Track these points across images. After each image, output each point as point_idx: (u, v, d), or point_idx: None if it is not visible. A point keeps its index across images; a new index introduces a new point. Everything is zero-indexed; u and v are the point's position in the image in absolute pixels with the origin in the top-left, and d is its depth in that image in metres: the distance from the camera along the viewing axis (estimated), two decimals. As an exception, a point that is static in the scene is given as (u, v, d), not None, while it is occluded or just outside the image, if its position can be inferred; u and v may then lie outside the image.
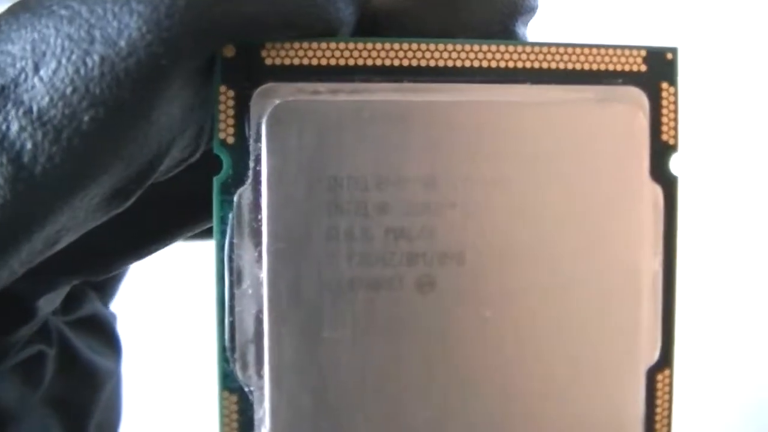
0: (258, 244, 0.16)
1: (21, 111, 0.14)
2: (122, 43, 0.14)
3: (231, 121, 0.16)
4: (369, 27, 0.16)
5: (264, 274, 0.16)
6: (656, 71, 0.17)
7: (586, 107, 0.16)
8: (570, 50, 0.16)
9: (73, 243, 0.16)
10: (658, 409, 0.17)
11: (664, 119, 0.17)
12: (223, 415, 0.16)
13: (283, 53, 0.16)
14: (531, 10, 0.17)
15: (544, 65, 0.16)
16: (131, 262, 0.20)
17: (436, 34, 0.16)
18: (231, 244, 0.16)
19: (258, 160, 0.16)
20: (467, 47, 0.16)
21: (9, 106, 0.14)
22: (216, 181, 0.16)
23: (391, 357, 0.16)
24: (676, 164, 0.17)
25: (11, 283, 0.15)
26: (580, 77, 0.16)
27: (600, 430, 0.17)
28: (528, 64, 0.16)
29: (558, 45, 0.16)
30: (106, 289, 0.26)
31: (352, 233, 0.16)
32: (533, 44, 0.16)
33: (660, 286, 0.17)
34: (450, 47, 0.16)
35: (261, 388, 0.16)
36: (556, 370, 0.16)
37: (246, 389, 0.16)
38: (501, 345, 0.16)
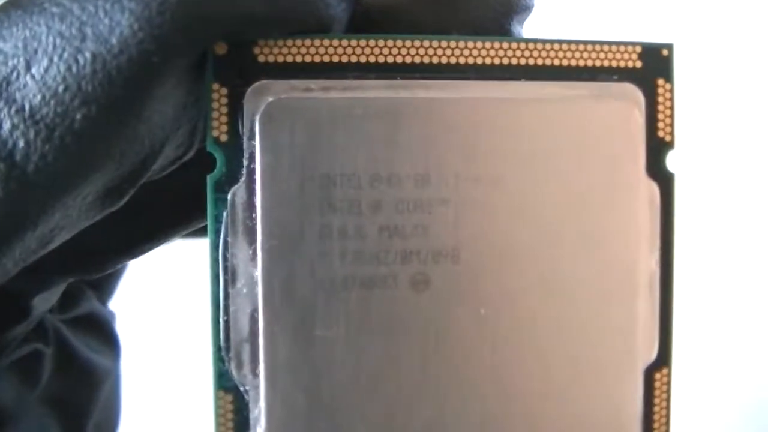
0: (252, 242, 0.16)
1: (13, 109, 0.14)
2: (114, 41, 0.14)
3: (224, 119, 0.16)
4: (362, 24, 0.16)
5: (258, 273, 0.15)
6: (652, 67, 0.17)
7: (581, 104, 0.16)
8: (565, 46, 0.16)
9: (68, 242, 0.16)
10: (656, 408, 0.17)
11: (660, 116, 0.17)
12: (219, 415, 0.16)
13: (275, 50, 0.16)
14: (527, 8, 0.17)
15: (539, 62, 0.16)
16: (126, 261, 0.20)
17: (431, 32, 0.16)
18: (225, 242, 0.16)
19: (252, 158, 0.15)
20: (461, 44, 0.16)
21: (1, 104, 0.14)
22: (210, 180, 0.16)
23: (385, 356, 0.16)
24: (672, 161, 0.17)
25: (5, 281, 0.15)
26: (575, 73, 0.16)
27: (598, 428, 0.16)
28: (523, 61, 0.16)
29: (553, 41, 0.16)
30: (104, 287, 0.26)
31: (346, 231, 0.16)
32: (528, 41, 0.16)
33: (657, 283, 0.17)
34: (444, 44, 0.16)
35: (256, 387, 0.16)
36: (553, 369, 0.16)
37: (241, 388, 0.16)
38: (497, 343, 0.16)
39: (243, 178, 0.16)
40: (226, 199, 0.16)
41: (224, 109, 0.16)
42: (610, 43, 0.16)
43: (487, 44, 0.16)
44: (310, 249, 0.15)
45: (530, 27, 0.18)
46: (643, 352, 0.17)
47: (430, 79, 0.16)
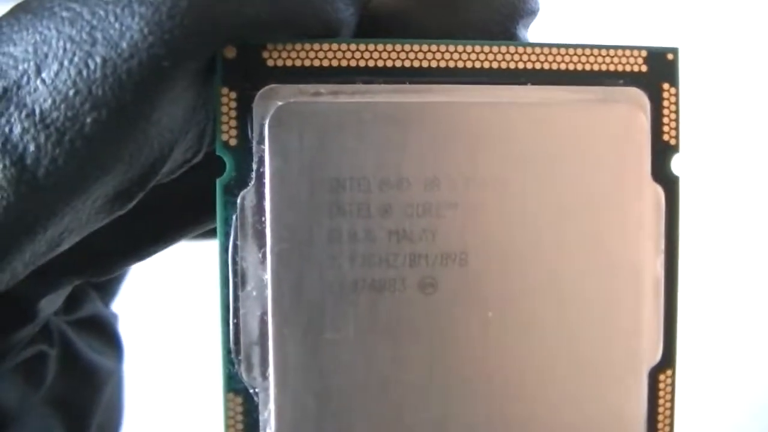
0: (262, 245, 0.16)
1: (24, 113, 0.14)
2: (124, 45, 0.14)
3: (233, 123, 0.16)
4: (370, 28, 0.16)
5: (268, 276, 0.16)
6: (657, 72, 0.17)
7: (587, 108, 0.16)
8: (571, 51, 0.16)
9: (76, 244, 0.16)
10: (660, 410, 0.17)
11: (665, 120, 0.17)
12: (228, 417, 0.16)
13: (284, 54, 0.16)
14: (532, 12, 0.17)
15: (545, 66, 0.16)
16: (133, 263, 0.20)
17: (437, 36, 0.16)
18: (235, 245, 0.16)
19: (261, 162, 0.16)
20: (468, 48, 0.16)
21: (12, 108, 0.14)
22: (219, 183, 0.16)
23: (394, 358, 0.16)
24: (677, 164, 0.17)
25: (14, 284, 0.15)
26: (581, 78, 0.16)
27: (602, 430, 0.17)
28: (529, 65, 0.16)
29: (559, 46, 0.16)
30: (108, 289, 0.26)
31: (355, 235, 0.16)
32: (534, 45, 0.16)
33: (662, 286, 0.17)
34: (451, 48, 0.16)
35: (266, 390, 0.16)
36: (558, 371, 0.16)
37: (251, 390, 0.16)
38: (503, 346, 0.16)
39: (252, 182, 0.16)
40: (236, 203, 0.16)
41: (233, 113, 0.16)
42: (615, 48, 0.17)
43: (494, 48, 0.16)
44: (319, 252, 0.16)
45: (535, 31, 0.18)
46: (647, 353, 0.17)
47: (438, 84, 0.16)
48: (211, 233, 0.17)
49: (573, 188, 0.16)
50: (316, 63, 0.16)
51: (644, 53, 0.17)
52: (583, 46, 0.16)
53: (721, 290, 0.46)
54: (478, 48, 0.16)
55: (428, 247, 0.16)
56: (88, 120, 0.14)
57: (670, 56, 0.17)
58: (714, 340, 0.46)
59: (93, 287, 0.25)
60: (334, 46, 0.16)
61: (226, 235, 0.16)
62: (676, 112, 0.17)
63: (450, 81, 0.16)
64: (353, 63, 0.16)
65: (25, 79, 0.14)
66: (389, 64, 0.16)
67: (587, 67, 0.16)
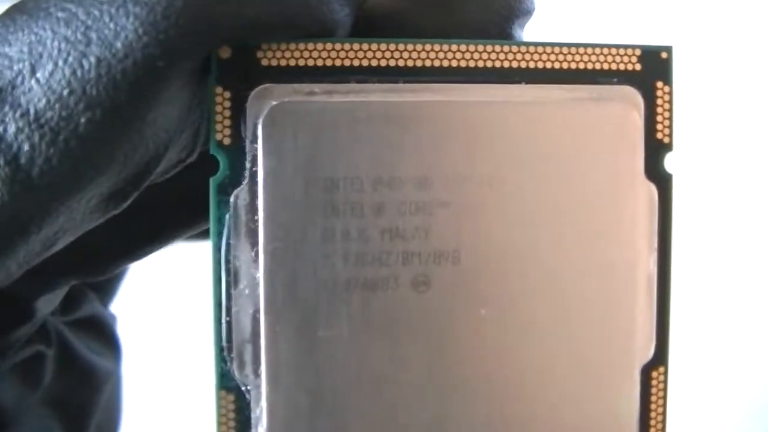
0: (255, 244, 0.16)
1: (18, 113, 0.14)
2: (118, 45, 0.14)
3: (227, 123, 0.16)
4: (365, 28, 0.16)
5: (261, 274, 0.16)
6: (651, 70, 0.17)
7: (580, 106, 0.16)
8: (565, 50, 0.16)
9: (71, 244, 0.16)
10: (653, 406, 0.17)
11: (659, 118, 0.17)
12: (220, 414, 0.16)
13: (278, 54, 0.16)
14: (528, 12, 0.17)
15: (539, 65, 0.16)
16: (129, 263, 0.20)
17: (432, 36, 0.16)
18: (228, 244, 0.16)
19: (254, 161, 0.16)
20: (462, 47, 0.16)
21: (6, 108, 0.14)
22: (213, 182, 0.16)
23: (387, 356, 0.16)
24: (670, 163, 0.17)
25: (9, 283, 0.15)
26: (574, 76, 0.16)
27: (595, 427, 0.17)
28: (523, 64, 0.16)
29: (553, 44, 0.16)
30: (106, 289, 0.26)
31: (348, 233, 0.16)
32: (528, 44, 0.16)
33: (655, 284, 0.17)
34: (445, 47, 0.16)
35: (258, 387, 0.16)
36: (551, 369, 0.16)
37: (243, 388, 0.16)
38: (497, 344, 0.16)
39: (246, 181, 0.16)
40: (229, 202, 0.16)
41: (227, 113, 0.16)
42: (609, 46, 0.17)
43: (488, 47, 0.16)
44: (312, 251, 0.16)
45: (530, 30, 0.18)
46: (640, 350, 0.17)
47: (431, 83, 0.16)
48: (206, 234, 0.17)
49: (567, 186, 0.16)
50: (311, 63, 0.16)
51: (638, 52, 0.17)
52: (577, 45, 0.17)
53: (715, 288, 0.46)
54: (472, 47, 0.16)
55: (421, 245, 0.16)
56: (83, 120, 0.14)
57: (664, 55, 0.17)
58: (707, 338, 0.46)
59: (91, 288, 0.25)
60: (329, 46, 0.16)
61: (219, 234, 0.16)
62: (670, 110, 0.17)
63: (444, 80, 0.16)
64: (347, 62, 0.16)
65: (20, 78, 0.14)
66: (383, 63, 0.16)
67: (581, 65, 0.16)
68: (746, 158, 0.46)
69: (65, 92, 0.14)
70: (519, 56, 0.16)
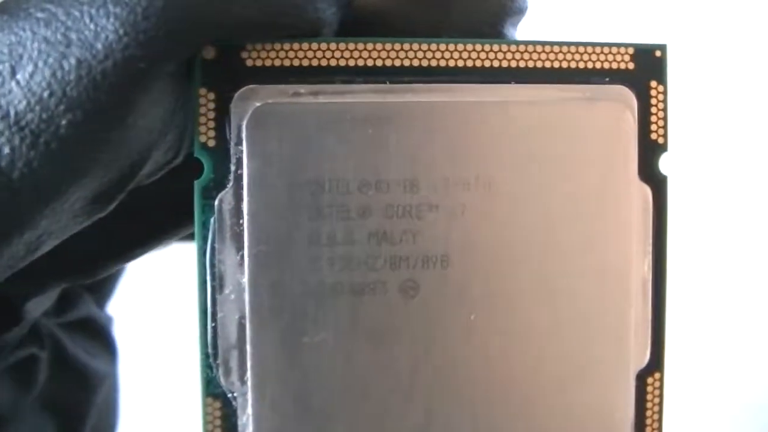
0: (240, 248, 0.15)
1: None
2: (99, 46, 0.14)
3: (212, 124, 0.15)
4: (354, 27, 0.16)
5: (246, 279, 0.15)
6: (645, 69, 0.16)
7: (573, 107, 0.16)
8: (556, 48, 0.16)
9: (58, 246, 0.16)
10: (649, 413, 0.17)
11: (653, 118, 0.16)
12: (207, 422, 0.16)
13: (263, 54, 0.15)
14: (520, 11, 0.17)
15: (530, 64, 0.16)
16: (117, 266, 0.20)
17: (423, 35, 0.16)
18: (213, 248, 0.16)
19: (239, 164, 0.15)
20: (451, 46, 0.16)
21: None
22: (197, 185, 0.16)
23: (375, 362, 0.16)
24: (665, 164, 0.16)
25: None
26: (566, 76, 0.16)
27: (590, 433, 0.16)
28: (513, 63, 0.16)
29: (544, 43, 0.16)
30: (102, 291, 0.26)
31: (334, 237, 0.15)
32: (518, 43, 0.16)
33: (650, 287, 0.16)
34: (434, 47, 0.16)
35: (244, 394, 0.16)
36: (543, 374, 0.16)
37: (229, 395, 0.16)
38: (487, 350, 0.16)
39: (230, 184, 0.15)
40: (214, 205, 0.15)
41: (212, 114, 0.15)
42: (602, 45, 0.16)
43: (477, 47, 0.16)
44: (298, 255, 0.15)
45: (523, 29, 0.18)
46: (635, 356, 0.16)
47: (419, 83, 0.16)
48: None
49: (559, 189, 0.16)
50: (296, 63, 0.16)
51: (631, 50, 0.16)
52: (569, 44, 0.16)
53: (711, 292, 0.46)
54: (461, 46, 0.16)
55: (409, 249, 0.16)
56: (63, 122, 0.14)
57: (657, 53, 0.17)
58: (703, 343, 0.46)
59: (86, 289, 0.25)
60: (314, 46, 0.16)
61: (204, 238, 0.16)
62: (665, 110, 0.16)
63: (432, 80, 0.16)
64: (333, 62, 0.16)
65: None
66: (370, 63, 0.16)
67: (573, 64, 0.16)
68: (743, 158, 0.46)
69: (45, 94, 0.14)
70: (509, 55, 0.16)
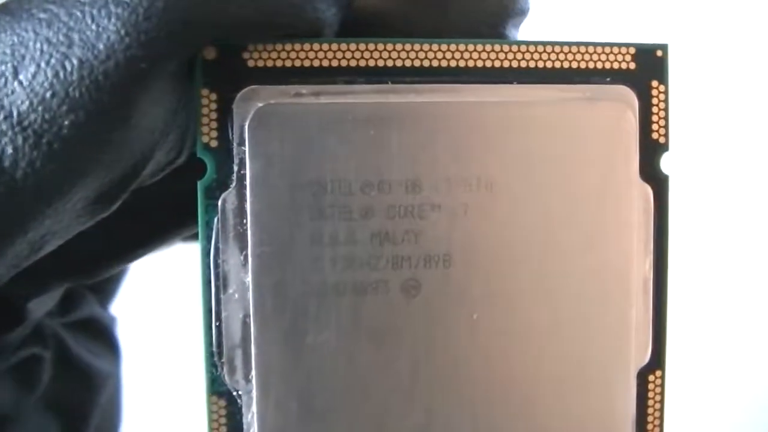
0: (243, 248, 0.16)
1: (1, 116, 0.14)
2: (101, 47, 0.14)
3: (214, 125, 0.15)
4: (354, 28, 0.16)
5: (249, 279, 0.15)
6: (646, 69, 0.16)
7: (574, 106, 0.16)
8: (558, 48, 0.16)
9: (61, 246, 0.16)
10: (650, 410, 0.17)
11: (655, 118, 0.16)
12: (212, 420, 0.16)
13: (265, 55, 0.15)
14: (522, 12, 0.17)
15: (532, 64, 0.16)
16: (120, 266, 0.20)
17: (423, 36, 0.16)
18: (216, 248, 0.16)
19: (242, 164, 0.15)
20: (452, 47, 0.16)
21: None
22: (200, 185, 0.16)
23: (377, 361, 0.16)
24: (666, 163, 0.16)
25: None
26: (568, 76, 0.16)
27: (591, 431, 0.16)
28: (515, 64, 0.16)
29: (545, 43, 0.16)
30: (105, 290, 0.26)
31: (337, 237, 0.15)
32: (519, 43, 0.16)
33: (651, 286, 0.16)
34: (434, 47, 0.16)
35: (249, 392, 0.16)
36: (545, 373, 0.16)
37: (234, 393, 0.16)
38: (489, 349, 0.16)
39: (233, 184, 0.16)
40: (217, 205, 0.16)
41: (214, 115, 0.15)
42: (603, 45, 0.16)
43: (479, 47, 0.16)
44: (301, 255, 0.15)
45: (525, 30, 0.18)
46: (636, 354, 0.16)
47: (421, 83, 0.16)
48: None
49: (560, 188, 0.16)
50: (297, 63, 0.16)
51: (632, 50, 0.16)
52: (570, 44, 0.16)
53: (712, 290, 0.46)
54: (462, 47, 0.16)
55: (411, 249, 0.16)
56: (66, 122, 0.14)
57: (659, 53, 0.17)
58: (705, 341, 0.46)
59: (90, 289, 0.25)
60: (315, 46, 0.16)
61: (208, 238, 0.16)
62: (666, 109, 0.17)
63: (433, 80, 0.16)
64: (335, 63, 0.16)
65: (2, 81, 0.14)
66: (371, 63, 0.16)
67: (574, 64, 0.16)
68: (745, 158, 0.46)
69: (48, 94, 0.14)
70: (510, 56, 0.16)
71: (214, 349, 0.16)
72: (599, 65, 0.16)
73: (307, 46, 0.16)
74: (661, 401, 0.17)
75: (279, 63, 0.15)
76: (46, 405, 0.22)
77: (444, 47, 0.16)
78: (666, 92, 0.17)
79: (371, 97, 0.16)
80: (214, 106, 0.15)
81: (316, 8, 0.15)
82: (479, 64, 0.16)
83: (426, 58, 0.16)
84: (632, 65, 0.16)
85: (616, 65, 0.16)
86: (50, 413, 0.23)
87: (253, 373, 0.16)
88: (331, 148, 0.15)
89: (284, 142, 0.15)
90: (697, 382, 0.45)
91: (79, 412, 0.24)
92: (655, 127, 0.16)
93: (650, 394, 0.17)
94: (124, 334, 0.26)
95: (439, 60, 0.16)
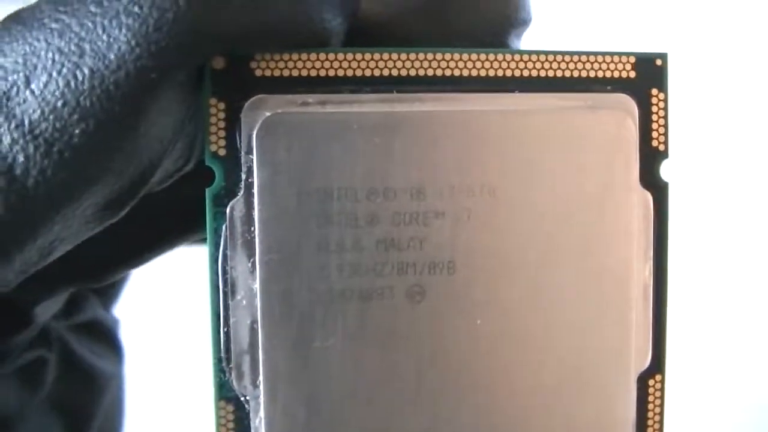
0: (251, 255, 0.16)
1: (13, 124, 0.14)
2: (111, 57, 0.14)
3: (222, 133, 0.16)
4: (360, 37, 0.16)
5: (257, 286, 0.16)
6: (646, 77, 0.17)
7: (574, 115, 0.16)
8: (559, 57, 0.16)
9: (69, 251, 0.16)
10: (650, 414, 0.17)
11: (654, 125, 0.17)
12: (220, 425, 0.16)
13: (272, 64, 0.16)
14: (524, 22, 0.17)
15: (533, 73, 0.16)
16: (128, 271, 0.20)
17: (428, 46, 0.16)
18: (225, 255, 0.16)
19: (249, 173, 0.16)
20: (456, 56, 0.16)
21: (1, 119, 0.14)
22: (209, 193, 0.16)
23: (383, 366, 0.16)
24: (666, 170, 0.17)
25: (7, 291, 0.15)
26: (569, 85, 0.16)
27: (592, 436, 0.17)
28: (517, 72, 0.16)
29: (547, 53, 0.16)
30: (108, 293, 0.26)
31: (343, 244, 0.16)
32: (521, 52, 0.16)
33: (651, 292, 0.17)
34: (439, 56, 0.16)
35: (257, 398, 0.16)
36: (547, 377, 0.16)
37: (242, 398, 0.16)
38: (492, 353, 0.16)
39: (241, 192, 0.16)
40: (225, 213, 0.16)
41: (222, 123, 0.16)
42: (603, 54, 0.17)
43: (482, 56, 0.16)
44: (308, 262, 0.16)
45: (527, 40, 0.18)
46: (636, 359, 0.17)
47: (425, 92, 0.16)
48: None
49: (561, 195, 0.16)
50: (304, 73, 0.16)
51: (633, 59, 0.17)
52: (571, 53, 0.16)
53: (711, 295, 0.46)
54: (465, 56, 0.16)
55: (416, 255, 0.16)
56: (77, 131, 0.14)
57: (658, 62, 0.17)
58: (704, 345, 0.46)
59: (94, 292, 0.25)
60: (322, 56, 0.16)
61: (216, 245, 0.16)
62: (665, 117, 0.17)
63: (438, 89, 0.16)
64: (341, 72, 0.16)
65: (14, 90, 0.14)
66: (377, 73, 0.16)
67: (575, 73, 0.16)
68: (743, 165, 0.46)
69: (59, 103, 0.14)
70: (512, 65, 0.16)
71: (222, 354, 0.16)
72: (600, 74, 0.17)
73: (313, 56, 0.16)
74: (661, 405, 0.17)
75: (286, 72, 0.16)
76: (50, 406, 0.23)
77: (448, 56, 0.16)
78: (666, 100, 0.17)
79: (376, 106, 0.16)
80: (222, 115, 0.16)
81: (324, 19, 0.15)
82: (482, 73, 0.16)
83: (430, 67, 0.16)
84: (632, 74, 0.17)
85: (616, 74, 0.17)
86: (54, 414, 0.23)
87: (261, 378, 0.16)
88: (337, 156, 0.16)
89: (291, 151, 0.16)
90: (697, 386, 0.45)
91: (82, 412, 0.24)
92: (654, 134, 0.17)
93: (650, 398, 0.17)
94: (127, 335, 0.26)
95: (443, 69, 0.16)
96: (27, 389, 0.22)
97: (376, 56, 0.16)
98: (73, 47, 0.14)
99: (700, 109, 0.44)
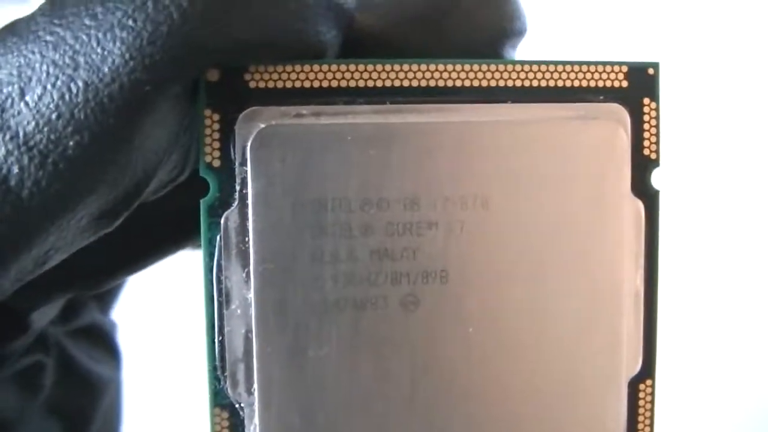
0: (245, 265, 0.16)
1: (8, 136, 0.14)
2: (106, 70, 0.14)
3: (216, 145, 0.16)
4: (355, 49, 0.16)
5: (251, 295, 0.16)
6: (638, 87, 0.17)
7: (567, 125, 0.16)
8: (551, 68, 0.17)
9: (66, 259, 0.16)
10: (641, 418, 0.17)
11: (646, 134, 0.17)
12: (215, 431, 0.16)
13: (266, 76, 0.16)
14: (519, 33, 0.17)
15: (526, 83, 0.16)
16: (123, 278, 0.20)
17: (423, 57, 0.16)
18: (219, 265, 0.16)
19: (244, 184, 0.16)
20: (449, 67, 0.16)
21: None
22: (203, 204, 0.16)
23: (376, 375, 0.16)
24: (657, 178, 0.17)
25: (4, 298, 0.15)
26: (561, 95, 0.17)
27: (584, 441, 0.17)
28: (509, 83, 0.16)
29: (539, 63, 0.17)
30: (106, 298, 0.26)
31: (337, 254, 0.16)
32: (514, 62, 0.16)
33: (642, 299, 0.17)
34: (432, 67, 0.16)
35: (251, 406, 0.16)
36: (539, 384, 0.16)
37: (237, 406, 0.16)
38: (485, 361, 0.16)
39: (236, 203, 0.16)
40: (220, 223, 0.16)
41: (216, 135, 0.16)
42: (596, 64, 0.17)
43: (475, 67, 0.16)
44: (302, 272, 0.16)
45: (522, 50, 0.18)
46: (627, 364, 0.17)
47: (419, 103, 0.16)
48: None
49: (554, 205, 0.16)
50: (298, 84, 0.16)
51: (625, 69, 0.17)
52: (564, 63, 0.17)
53: (702, 301, 0.46)
54: (458, 67, 0.16)
55: (409, 265, 0.16)
56: (71, 143, 0.14)
57: (650, 71, 0.17)
58: (695, 351, 0.46)
59: (91, 296, 0.25)
60: (316, 68, 0.16)
61: (211, 255, 0.16)
62: (657, 126, 0.17)
63: (431, 100, 0.16)
64: (335, 84, 0.16)
65: (9, 102, 0.14)
66: (371, 84, 0.16)
67: (568, 83, 0.17)
68: (735, 173, 0.46)
69: (54, 116, 0.14)
70: (505, 75, 0.16)
71: (217, 362, 0.16)
72: (592, 84, 0.17)
73: (307, 68, 0.16)
74: (652, 409, 0.17)
75: (280, 84, 0.16)
76: (48, 410, 0.23)
77: (441, 67, 0.16)
78: (657, 109, 0.17)
79: (371, 117, 0.16)
80: (216, 126, 0.16)
81: (318, 31, 0.15)
82: (475, 83, 0.16)
83: (424, 78, 0.16)
84: (624, 83, 0.17)
85: (608, 83, 0.17)
86: (53, 418, 0.23)
87: (255, 386, 0.16)
88: (332, 168, 0.16)
89: (285, 162, 0.16)
90: (687, 390, 0.46)
91: (80, 416, 0.24)
92: (646, 143, 0.17)
93: (641, 403, 0.17)
94: (124, 339, 0.26)
95: (437, 80, 0.16)
96: (25, 394, 0.22)
97: (370, 67, 0.16)
98: (67, 60, 0.14)
99: (692, 118, 0.44)
